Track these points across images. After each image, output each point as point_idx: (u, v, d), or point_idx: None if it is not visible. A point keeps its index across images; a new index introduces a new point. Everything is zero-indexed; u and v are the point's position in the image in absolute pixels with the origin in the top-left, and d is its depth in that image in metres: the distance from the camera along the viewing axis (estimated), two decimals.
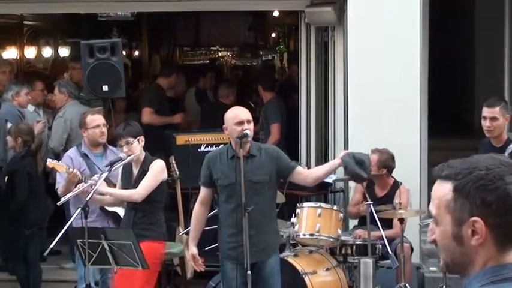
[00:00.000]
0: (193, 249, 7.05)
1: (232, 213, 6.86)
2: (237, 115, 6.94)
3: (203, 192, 7.05)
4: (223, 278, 7.08)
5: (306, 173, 7.20)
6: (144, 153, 7.41)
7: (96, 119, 7.92)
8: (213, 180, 6.93)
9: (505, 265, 2.25)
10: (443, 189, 2.32)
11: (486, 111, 7.79)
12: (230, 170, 6.85)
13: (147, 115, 11.19)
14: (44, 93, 10.95)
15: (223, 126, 6.96)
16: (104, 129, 7.92)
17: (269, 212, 7.00)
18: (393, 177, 8.53)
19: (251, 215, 6.68)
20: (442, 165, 2.36)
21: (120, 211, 7.70)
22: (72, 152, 8.06)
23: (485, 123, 7.77)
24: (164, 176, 7.42)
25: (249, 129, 6.86)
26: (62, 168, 7.57)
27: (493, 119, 7.73)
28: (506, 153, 7.60)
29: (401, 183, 8.40)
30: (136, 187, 7.30)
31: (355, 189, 8.86)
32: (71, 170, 7.54)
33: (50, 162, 7.67)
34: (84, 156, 7.91)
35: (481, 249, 2.26)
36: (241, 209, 6.70)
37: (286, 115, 11.25)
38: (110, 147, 8.06)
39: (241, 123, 6.85)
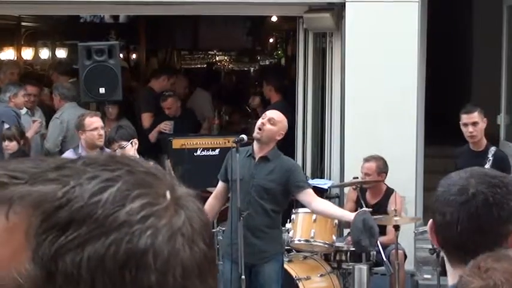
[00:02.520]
0: None
1: (234, 209, 6.85)
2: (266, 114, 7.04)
3: (218, 185, 7.09)
4: (220, 275, 7.06)
5: (313, 200, 6.99)
6: (137, 156, 7.39)
7: (94, 122, 7.90)
8: (227, 174, 6.92)
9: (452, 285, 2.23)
10: None
11: (466, 118, 7.98)
12: (242, 167, 6.82)
13: (147, 120, 11.16)
14: (34, 100, 10.86)
15: None
16: (102, 132, 7.90)
17: (268, 218, 6.95)
18: (385, 184, 8.54)
19: (249, 216, 6.69)
20: None
21: None
22: (69, 154, 8.02)
23: (468, 130, 7.96)
24: None
25: (264, 129, 6.83)
26: None
27: (474, 123, 7.95)
28: (489, 155, 7.78)
29: (393, 190, 8.41)
30: None
31: (347, 197, 8.86)
32: None
33: None
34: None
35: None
36: (241, 208, 6.70)
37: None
38: (106, 149, 8.04)
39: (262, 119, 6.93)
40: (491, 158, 7.80)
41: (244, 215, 6.65)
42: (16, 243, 0.89)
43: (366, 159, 8.42)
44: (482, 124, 7.99)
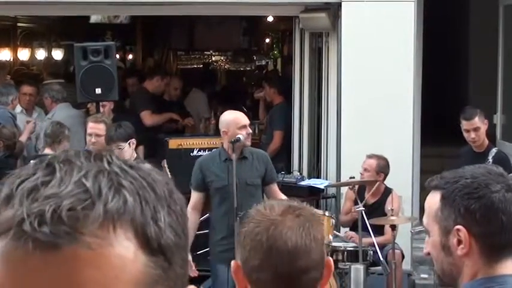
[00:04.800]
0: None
1: (225, 215, 6.87)
2: (240, 120, 7.05)
3: (195, 196, 7.03)
4: (214, 280, 7.07)
5: (280, 195, 7.21)
6: (135, 155, 7.38)
7: (90, 127, 7.93)
8: (205, 184, 6.93)
9: (493, 278, 2.22)
10: (433, 200, 2.31)
11: (467, 125, 7.91)
12: (223, 172, 6.90)
13: (148, 117, 11.14)
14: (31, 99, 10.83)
15: (223, 130, 7.01)
16: (95, 139, 7.85)
17: None
18: (384, 184, 8.55)
19: (246, 216, 6.71)
20: (435, 176, 2.35)
21: None
22: None
23: (470, 136, 7.91)
24: None
25: (248, 132, 7.00)
26: None
27: (476, 129, 7.88)
28: (489, 157, 7.75)
29: (392, 190, 8.41)
30: None
31: (345, 197, 8.86)
32: None
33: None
34: None
35: (467, 259, 2.23)
36: (235, 211, 6.73)
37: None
38: None
39: (244, 127, 6.94)
40: (490, 160, 7.72)
41: (241, 215, 6.68)
42: (124, 250, 1.01)
43: (369, 156, 8.44)
44: (484, 127, 7.93)
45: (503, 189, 2.23)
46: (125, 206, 1.01)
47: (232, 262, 2.31)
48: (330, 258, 2.32)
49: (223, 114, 7.39)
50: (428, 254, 2.35)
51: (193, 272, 7.10)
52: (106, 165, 1.05)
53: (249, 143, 7.08)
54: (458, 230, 2.22)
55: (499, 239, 2.22)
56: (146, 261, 1.01)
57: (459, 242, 2.23)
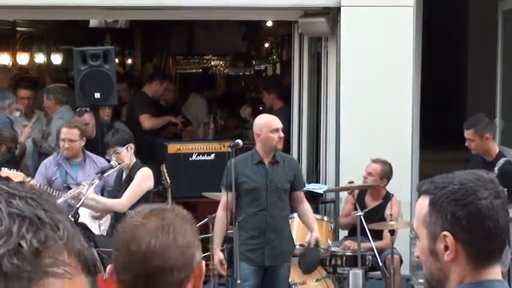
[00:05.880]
0: (219, 254, 7.18)
1: (254, 216, 7.03)
2: (273, 123, 7.15)
3: (226, 197, 7.10)
4: (239, 278, 7.12)
5: (301, 204, 7.38)
6: (134, 160, 7.36)
7: (63, 132, 7.87)
8: (237, 185, 7.01)
9: (480, 282, 2.22)
10: (422, 204, 2.32)
11: (465, 132, 7.87)
12: (256, 174, 7.05)
13: (147, 121, 11.13)
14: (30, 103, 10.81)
15: (256, 132, 7.08)
16: (68, 145, 7.81)
17: (287, 218, 7.30)
18: (385, 189, 8.54)
19: (273, 219, 6.97)
20: (426, 180, 2.35)
21: (90, 223, 7.60)
22: (49, 159, 8.02)
23: (466, 142, 7.88)
24: (149, 184, 7.35)
25: (280, 136, 7.13)
26: (18, 177, 7.32)
27: (470, 140, 7.83)
28: (496, 168, 7.64)
29: (393, 195, 8.40)
30: (122, 192, 7.26)
31: (346, 200, 8.86)
32: (28, 179, 7.39)
33: (4, 171, 7.44)
34: (59, 165, 7.85)
35: (454, 265, 2.23)
36: (264, 213, 6.96)
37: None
38: (91, 155, 7.99)
39: (276, 130, 7.05)
40: (496, 172, 7.59)
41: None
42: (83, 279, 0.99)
43: (374, 160, 8.44)
44: (483, 140, 7.78)
45: (492, 195, 2.23)
46: (66, 230, 0.95)
47: (108, 266, 2.42)
48: (204, 262, 2.39)
49: (257, 117, 7.54)
50: (419, 257, 2.36)
51: (225, 271, 7.17)
52: None
53: (280, 146, 7.21)
54: (444, 236, 2.23)
55: (486, 245, 2.22)
56: (89, 283, 0.99)
57: (446, 247, 2.23)
